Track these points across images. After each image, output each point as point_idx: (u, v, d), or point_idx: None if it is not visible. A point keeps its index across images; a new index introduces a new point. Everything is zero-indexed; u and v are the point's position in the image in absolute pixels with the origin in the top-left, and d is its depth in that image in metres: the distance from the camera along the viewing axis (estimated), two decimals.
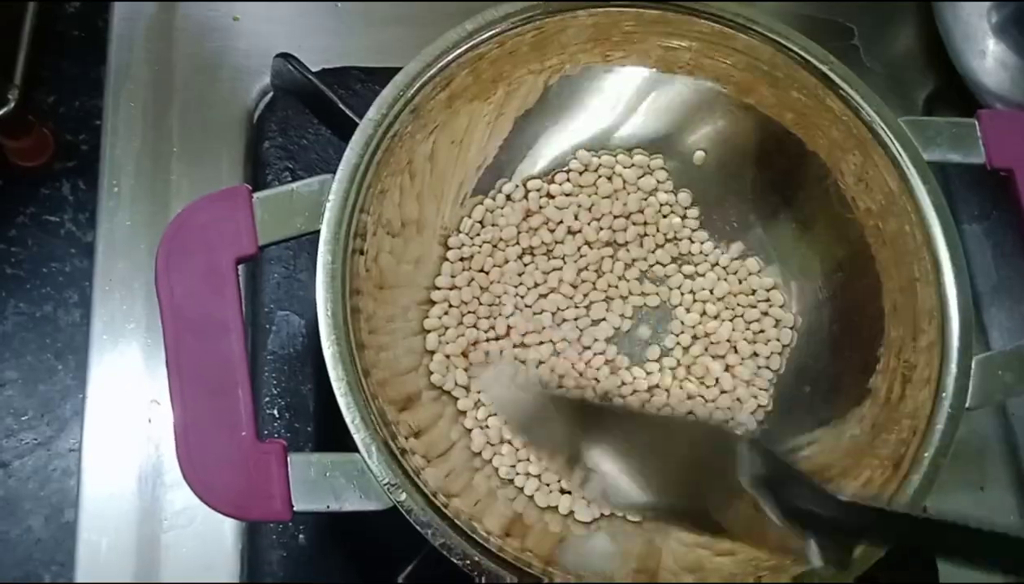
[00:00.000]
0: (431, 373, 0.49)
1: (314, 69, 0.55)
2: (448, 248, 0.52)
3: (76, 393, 0.53)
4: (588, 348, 0.51)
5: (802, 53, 0.48)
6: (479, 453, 0.48)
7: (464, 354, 0.50)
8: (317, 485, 0.39)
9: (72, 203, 0.57)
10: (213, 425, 0.39)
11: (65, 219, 0.57)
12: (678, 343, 0.52)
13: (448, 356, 0.50)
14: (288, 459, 0.39)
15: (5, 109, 0.55)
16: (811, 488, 0.39)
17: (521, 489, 0.48)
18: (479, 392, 0.50)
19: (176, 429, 0.38)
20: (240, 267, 0.42)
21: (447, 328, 0.50)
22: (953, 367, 0.44)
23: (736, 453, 0.40)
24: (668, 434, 0.43)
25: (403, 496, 0.39)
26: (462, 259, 0.52)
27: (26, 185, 0.58)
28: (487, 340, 0.51)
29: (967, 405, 0.44)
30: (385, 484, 0.39)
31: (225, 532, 0.50)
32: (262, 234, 0.41)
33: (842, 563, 0.41)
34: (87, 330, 0.54)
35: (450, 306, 0.51)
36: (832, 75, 0.48)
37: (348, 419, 0.39)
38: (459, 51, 0.47)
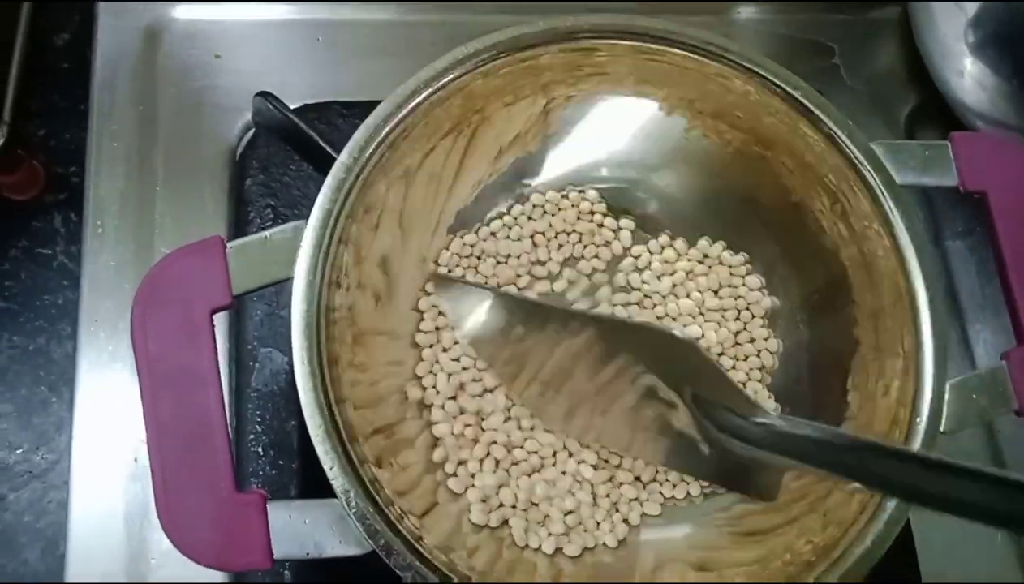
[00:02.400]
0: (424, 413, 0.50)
1: (296, 104, 0.56)
2: (426, 281, 0.52)
3: (70, 425, 0.54)
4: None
5: (774, 79, 0.48)
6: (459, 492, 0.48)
7: (454, 397, 0.50)
8: (297, 533, 0.39)
9: (64, 235, 0.58)
10: (192, 479, 0.39)
11: (57, 251, 0.58)
12: None
13: (438, 390, 0.50)
14: (268, 508, 0.39)
15: None
16: (744, 402, 0.41)
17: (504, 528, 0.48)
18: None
19: (155, 483, 0.39)
20: None
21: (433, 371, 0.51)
22: (927, 391, 0.44)
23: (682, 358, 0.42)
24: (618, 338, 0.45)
25: (382, 541, 0.39)
26: None
27: (18, 218, 0.58)
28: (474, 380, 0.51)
29: (942, 429, 0.44)
30: (364, 530, 0.39)
31: (213, 572, 0.49)
32: (237, 284, 0.41)
33: (771, 493, 0.44)
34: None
35: (437, 329, 0.51)
36: (804, 101, 0.48)
37: (326, 466, 0.40)
38: (431, 89, 0.47)
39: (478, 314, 0.50)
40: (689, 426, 0.44)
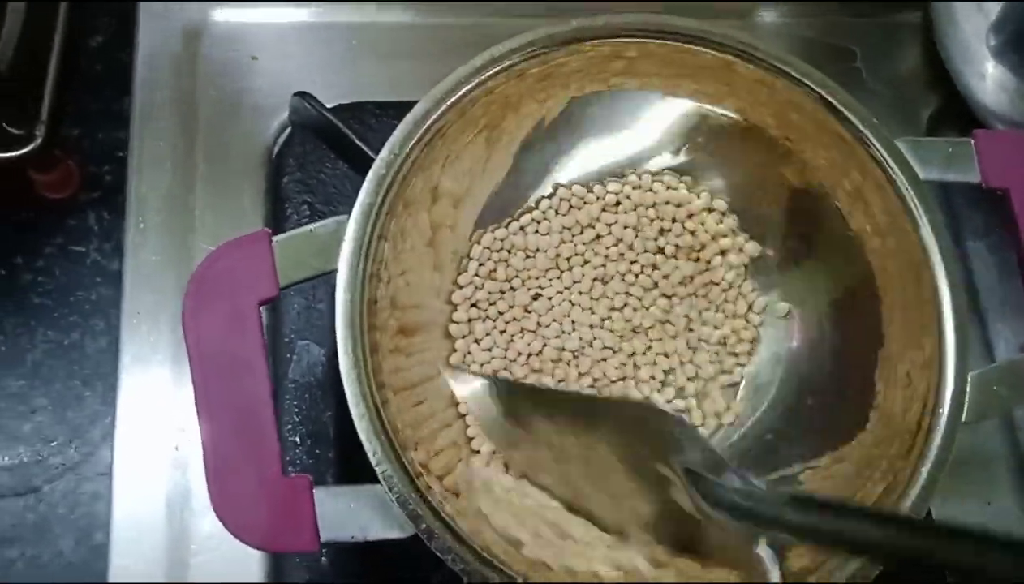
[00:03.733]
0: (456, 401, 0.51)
1: (330, 105, 0.57)
2: (459, 274, 0.53)
3: (104, 418, 0.55)
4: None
5: (801, 77, 0.49)
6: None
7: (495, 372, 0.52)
8: (342, 517, 0.40)
9: (97, 233, 0.59)
10: (242, 464, 0.40)
11: (91, 249, 0.59)
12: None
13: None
14: (313, 492, 0.40)
15: (32, 145, 0.56)
16: (739, 476, 0.40)
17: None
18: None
19: (207, 469, 0.40)
20: None
21: (469, 351, 0.52)
22: (949, 383, 0.45)
23: (669, 435, 0.41)
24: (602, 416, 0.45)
25: (424, 524, 0.40)
26: (477, 276, 0.53)
27: (53, 216, 0.59)
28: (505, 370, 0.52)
29: (963, 419, 0.44)
30: (407, 514, 0.40)
31: (251, 556, 0.52)
32: (282, 276, 0.42)
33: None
34: (114, 357, 0.56)
35: (470, 321, 0.53)
36: (830, 98, 0.49)
37: (370, 452, 0.41)
38: (468, 87, 0.48)
39: (485, 400, 0.50)
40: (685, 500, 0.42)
